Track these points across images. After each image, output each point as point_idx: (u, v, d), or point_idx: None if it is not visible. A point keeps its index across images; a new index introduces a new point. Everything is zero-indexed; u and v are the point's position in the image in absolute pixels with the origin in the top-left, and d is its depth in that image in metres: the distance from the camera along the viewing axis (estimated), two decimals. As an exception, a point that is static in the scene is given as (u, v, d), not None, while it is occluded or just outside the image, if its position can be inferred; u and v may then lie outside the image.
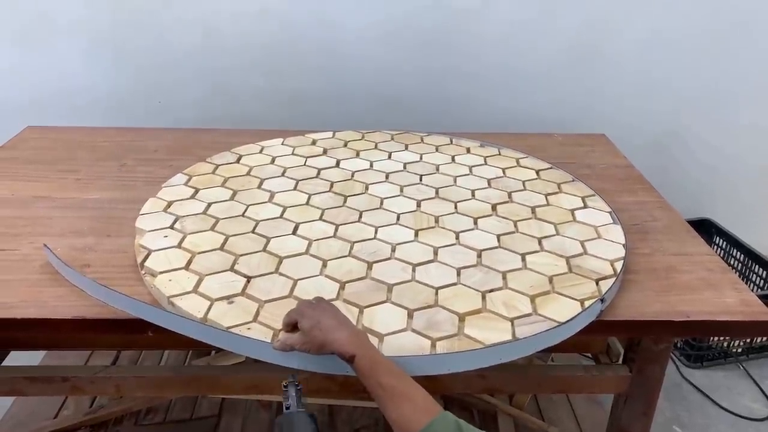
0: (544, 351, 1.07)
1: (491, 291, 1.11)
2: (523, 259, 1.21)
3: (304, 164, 1.57)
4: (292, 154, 1.63)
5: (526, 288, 1.12)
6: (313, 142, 1.71)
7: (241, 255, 1.18)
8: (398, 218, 1.34)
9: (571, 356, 1.79)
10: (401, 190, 1.46)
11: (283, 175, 1.51)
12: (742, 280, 1.62)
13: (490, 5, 2.08)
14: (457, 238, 1.27)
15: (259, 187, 1.45)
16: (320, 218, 1.33)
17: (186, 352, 1.77)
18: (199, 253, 1.18)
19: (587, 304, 1.08)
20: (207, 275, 1.12)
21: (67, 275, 1.14)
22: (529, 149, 1.73)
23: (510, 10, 2.09)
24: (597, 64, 2.18)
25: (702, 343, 2.10)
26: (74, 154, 1.68)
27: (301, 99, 2.20)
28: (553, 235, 1.30)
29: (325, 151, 1.65)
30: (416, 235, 1.28)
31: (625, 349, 1.34)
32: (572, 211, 1.41)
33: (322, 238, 1.25)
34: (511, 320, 1.04)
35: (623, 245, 1.27)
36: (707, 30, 2.12)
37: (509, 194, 1.47)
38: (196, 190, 1.42)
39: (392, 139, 1.75)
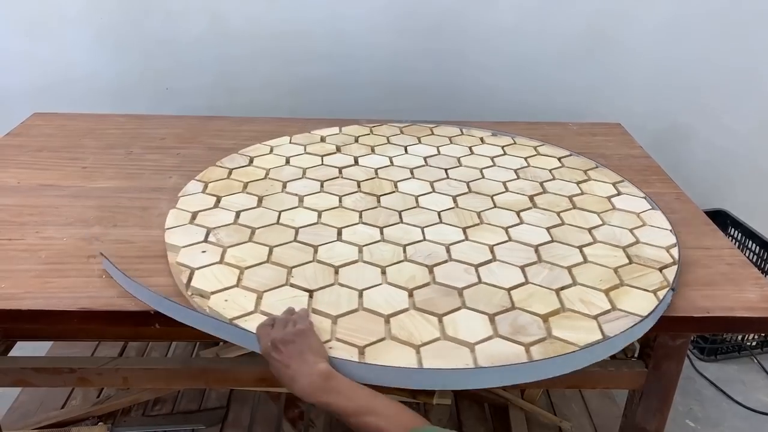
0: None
1: (563, 288, 1.09)
2: (582, 253, 1.19)
3: (322, 163, 1.52)
4: (305, 152, 1.57)
5: (596, 282, 1.11)
6: (322, 139, 1.65)
7: (293, 267, 1.12)
8: (440, 217, 1.30)
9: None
10: (432, 187, 1.42)
11: (304, 176, 1.45)
12: (759, 270, 1.59)
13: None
14: (508, 234, 1.25)
15: (284, 190, 1.39)
16: (360, 221, 1.27)
17: (194, 344, 1.76)
18: (247, 267, 1.11)
19: (660, 295, 1.08)
20: (264, 292, 1.05)
21: (130, 288, 1.08)
22: (544, 139, 1.69)
23: (521, -3, 2.05)
24: (611, 51, 2.14)
25: (716, 336, 2.07)
26: (81, 142, 1.66)
27: (309, 87, 2.17)
28: (600, 225, 1.30)
29: (338, 149, 1.60)
30: (465, 233, 1.25)
31: (641, 344, 1.31)
32: (608, 198, 1.41)
33: (370, 243, 1.20)
34: (595, 318, 1.02)
35: (671, 231, 1.28)
36: (724, 16, 2.08)
37: (541, 184, 1.45)
38: (218, 198, 1.35)
39: (401, 132, 1.72)
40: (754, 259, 2.09)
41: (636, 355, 1.33)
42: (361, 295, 1.05)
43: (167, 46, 2.10)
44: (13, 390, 1.65)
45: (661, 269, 1.15)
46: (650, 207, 1.38)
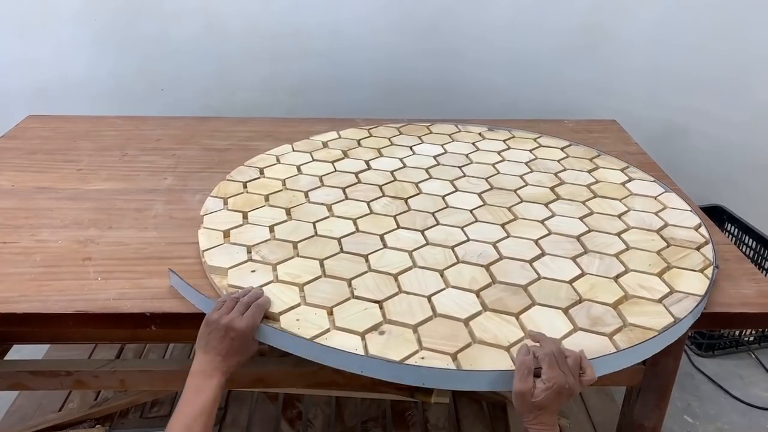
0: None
1: (619, 276, 1.12)
2: (622, 239, 1.24)
3: (335, 170, 1.49)
4: (314, 160, 1.54)
5: (647, 267, 1.15)
6: (325, 145, 1.62)
7: (351, 278, 1.09)
8: (474, 215, 1.31)
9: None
10: (454, 186, 1.43)
11: (322, 184, 1.42)
12: (755, 267, 1.59)
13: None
14: (546, 227, 1.27)
15: (308, 200, 1.35)
16: (399, 226, 1.26)
17: (191, 345, 1.76)
18: (305, 284, 1.07)
19: (708, 273, 1.13)
20: (333, 307, 1.02)
21: (197, 302, 1.05)
22: (540, 135, 1.69)
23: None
24: (606, 48, 2.14)
25: (713, 332, 2.07)
26: (76, 144, 1.66)
27: (305, 86, 2.17)
28: (627, 211, 1.34)
29: (345, 154, 1.57)
30: (505, 230, 1.26)
31: (638, 340, 1.31)
32: (623, 185, 1.46)
33: (418, 248, 1.19)
34: (660, 302, 1.06)
35: (692, 211, 1.35)
36: (720, 11, 2.07)
37: (556, 175, 1.49)
38: (244, 214, 1.29)
39: (400, 132, 1.71)
40: (751, 255, 2.09)
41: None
42: (430, 301, 1.04)
43: (162, 47, 2.09)
44: (10, 393, 1.65)
45: (698, 249, 1.21)
46: (664, 190, 1.44)
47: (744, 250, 2.13)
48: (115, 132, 1.73)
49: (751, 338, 2.12)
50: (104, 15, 2.05)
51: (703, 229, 1.28)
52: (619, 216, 1.32)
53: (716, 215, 2.20)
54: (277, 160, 1.54)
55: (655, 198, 1.40)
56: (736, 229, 2.17)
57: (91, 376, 1.23)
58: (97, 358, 1.65)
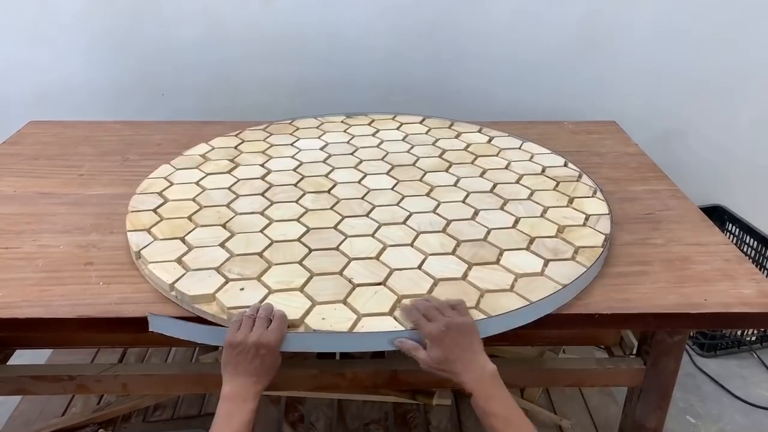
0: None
1: (543, 213, 1.33)
2: (522, 185, 1.44)
3: (238, 180, 1.45)
4: (207, 174, 1.48)
5: (555, 201, 1.37)
6: (204, 158, 1.56)
7: (341, 271, 1.12)
8: (399, 192, 1.40)
9: (584, 349, 1.76)
10: (361, 171, 1.49)
11: (237, 195, 1.38)
12: (756, 267, 1.59)
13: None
14: (462, 188, 1.42)
15: (237, 213, 1.31)
16: (343, 216, 1.30)
17: (193, 349, 1.76)
18: (302, 286, 1.07)
19: (599, 195, 1.41)
20: (346, 299, 1.04)
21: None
22: (539, 137, 1.70)
23: (514, -1, 2.06)
24: (605, 52, 2.14)
25: (715, 332, 2.07)
26: (77, 149, 1.66)
27: (306, 89, 2.17)
28: (509, 163, 1.54)
29: (233, 162, 1.54)
30: (432, 198, 1.38)
31: (639, 341, 1.31)
32: (489, 143, 1.66)
33: (375, 231, 1.24)
34: (585, 225, 1.28)
35: (552, 152, 1.60)
36: (718, 16, 2.08)
37: (434, 145, 1.64)
38: (182, 239, 1.21)
39: (270, 133, 1.71)
40: (753, 255, 2.09)
41: (634, 352, 1.34)
42: (422, 270, 1.12)
43: (163, 51, 2.10)
44: (13, 398, 1.65)
45: (578, 179, 1.47)
46: (522, 141, 1.65)
47: (745, 249, 2.13)
48: (116, 137, 1.74)
49: (753, 338, 2.12)
50: (104, 19, 2.05)
51: (571, 165, 1.53)
52: (506, 168, 1.51)
53: (717, 215, 2.20)
54: (168, 181, 1.44)
55: (520, 148, 1.62)
56: (737, 229, 2.17)
57: (94, 381, 1.24)
58: (100, 363, 1.65)
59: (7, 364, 1.35)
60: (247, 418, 0.92)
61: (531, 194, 1.39)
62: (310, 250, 1.18)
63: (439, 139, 1.67)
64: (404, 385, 1.36)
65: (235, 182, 1.44)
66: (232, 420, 0.92)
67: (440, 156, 1.57)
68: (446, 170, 1.50)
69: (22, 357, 1.39)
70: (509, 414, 0.90)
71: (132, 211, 1.31)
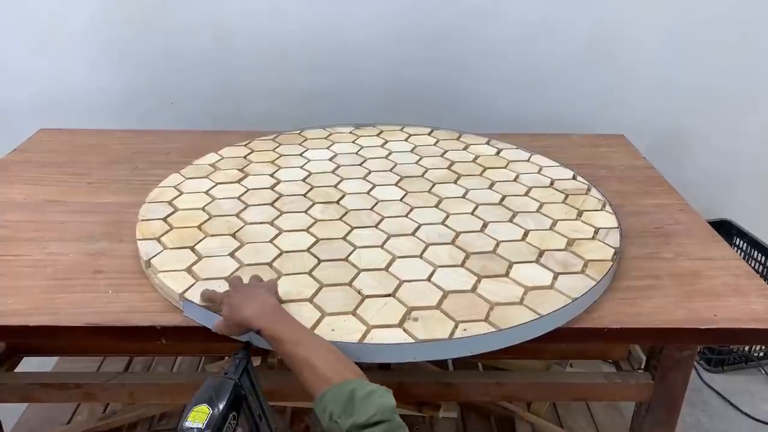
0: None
1: (552, 226, 1.33)
2: (531, 197, 1.44)
3: (247, 189, 1.45)
4: (217, 183, 1.48)
5: (564, 215, 1.37)
6: (214, 167, 1.56)
7: (350, 282, 1.11)
8: (407, 203, 1.40)
9: (591, 362, 1.75)
10: (369, 182, 1.49)
11: (247, 204, 1.38)
12: (764, 281, 1.59)
13: (502, 3, 2.05)
14: (470, 200, 1.42)
15: (246, 222, 1.31)
16: (352, 227, 1.29)
17: (199, 358, 1.76)
18: (312, 297, 1.07)
19: (608, 209, 1.40)
20: (355, 310, 1.05)
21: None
22: (547, 150, 1.69)
23: (522, 10, 2.05)
24: (612, 63, 2.14)
25: (723, 347, 2.06)
26: (86, 158, 1.67)
27: (313, 97, 2.18)
28: (518, 175, 1.54)
29: (243, 171, 1.54)
30: (441, 209, 1.38)
31: (648, 355, 1.31)
32: (497, 155, 1.66)
33: (384, 242, 1.24)
34: (594, 238, 1.28)
35: (560, 165, 1.60)
36: (725, 27, 2.08)
37: (443, 156, 1.64)
38: (191, 249, 1.21)
39: (279, 143, 1.71)
40: (760, 269, 2.08)
41: (642, 367, 1.33)
42: (431, 282, 1.12)
43: (172, 60, 2.11)
44: (20, 405, 1.65)
45: (587, 192, 1.46)
46: (530, 153, 1.65)
47: (753, 264, 2.12)
48: (125, 146, 1.74)
49: (761, 354, 2.11)
50: (113, 28, 2.06)
51: (579, 177, 1.53)
52: (515, 180, 1.51)
53: (724, 229, 2.19)
54: (178, 190, 1.44)
55: (528, 161, 1.62)
56: (745, 244, 2.16)
57: (100, 389, 1.24)
58: (106, 371, 1.66)
59: (15, 371, 1.35)
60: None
61: (540, 207, 1.39)
62: (320, 261, 1.18)
63: (448, 150, 1.67)
64: (410, 397, 1.36)
65: (245, 192, 1.44)
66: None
67: (449, 168, 1.57)
68: (455, 182, 1.50)
69: (28, 365, 1.39)
70: (298, 336, 0.92)
71: (142, 220, 1.31)
